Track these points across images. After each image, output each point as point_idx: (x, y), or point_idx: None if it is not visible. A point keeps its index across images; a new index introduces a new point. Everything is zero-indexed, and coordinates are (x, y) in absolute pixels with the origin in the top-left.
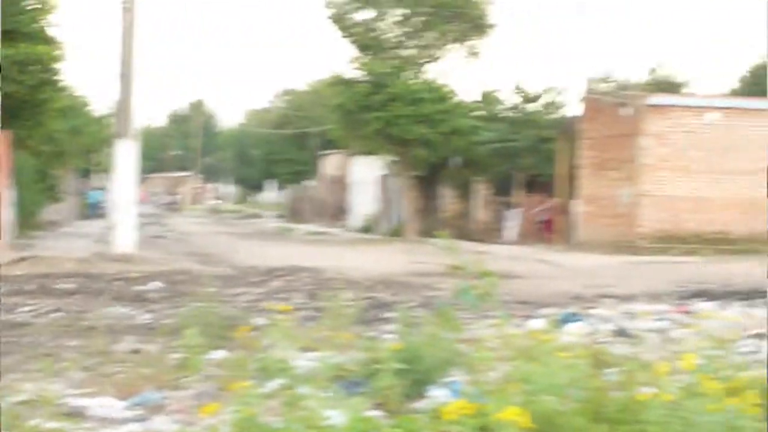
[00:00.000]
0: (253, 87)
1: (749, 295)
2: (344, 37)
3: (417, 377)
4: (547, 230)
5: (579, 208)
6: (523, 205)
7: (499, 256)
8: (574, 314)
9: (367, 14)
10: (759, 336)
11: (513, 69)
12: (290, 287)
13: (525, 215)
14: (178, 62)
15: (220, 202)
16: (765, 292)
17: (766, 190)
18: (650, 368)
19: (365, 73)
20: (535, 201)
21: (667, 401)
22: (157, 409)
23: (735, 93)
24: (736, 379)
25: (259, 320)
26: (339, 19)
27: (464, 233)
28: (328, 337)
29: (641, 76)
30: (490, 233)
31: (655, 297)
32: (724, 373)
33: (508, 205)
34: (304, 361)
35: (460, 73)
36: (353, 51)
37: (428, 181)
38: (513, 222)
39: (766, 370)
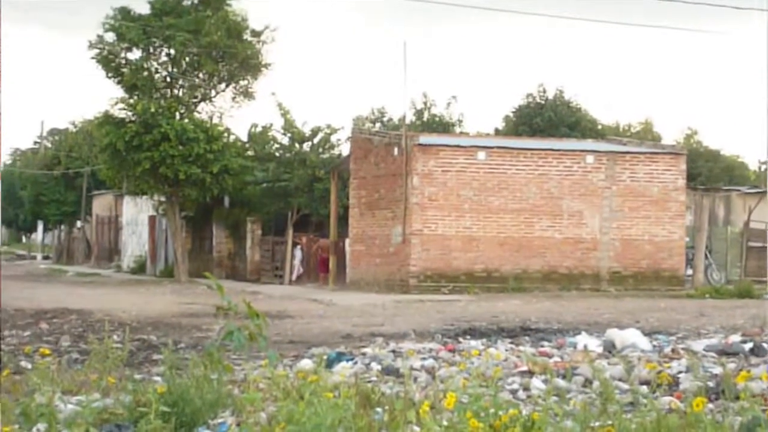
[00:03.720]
0: (19, 126)
1: (516, 332)
2: (110, 77)
3: (184, 419)
4: (321, 270)
5: (350, 247)
6: (301, 245)
7: (271, 295)
8: (343, 354)
9: (134, 54)
10: (524, 373)
11: (292, 108)
12: (58, 330)
13: (303, 255)
14: None
15: None
16: (530, 329)
17: (530, 228)
18: (417, 407)
19: (134, 113)
20: (308, 240)
21: None
22: None
23: (499, 133)
24: (500, 416)
25: (25, 364)
26: (105, 60)
27: (237, 273)
28: (95, 380)
29: (411, 116)
30: (263, 273)
31: (424, 335)
32: (488, 410)
33: (295, 245)
34: (68, 405)
35: (236, 113)
36: (120, 91)
37: (200, 221)
38: (297, 261)
39: (530, 408)
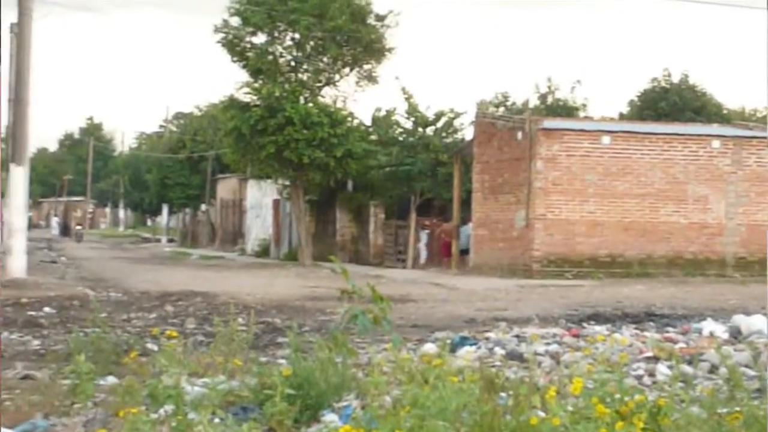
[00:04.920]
0: (146, 110)
1: (641, 318)
2: (235, 61)
3: (309, 402)
4: (444, 254)
5: (473, 231)
6: (428, 229)
7: (395, 279)
8: (467, 338)
9: (259, 39)
10: (650, 359)
11: (415, 92)
12: (183, 312)
13: (429, 239)
14: (71, 84)
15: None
16: (655, 315)
17: (655, 213)
18: (542, 392)
19: (259, 97)
20: (432, 225)
21: (557, 425)
22: None
23: (624, 117)
24: (626, 402)
25: (151, 346)
26: (230, 44)
27: (360, 257)
28: (220, 362)
29: (535, 100)
30: (386, 257)
31: (547, 320)
32: (614, 396)
33: (422, 228)
34: (195, 387)
35: (360, 97)
36: (244, 75)
37: (324, 204)
38: (423, 244)
39: (655, 394)
